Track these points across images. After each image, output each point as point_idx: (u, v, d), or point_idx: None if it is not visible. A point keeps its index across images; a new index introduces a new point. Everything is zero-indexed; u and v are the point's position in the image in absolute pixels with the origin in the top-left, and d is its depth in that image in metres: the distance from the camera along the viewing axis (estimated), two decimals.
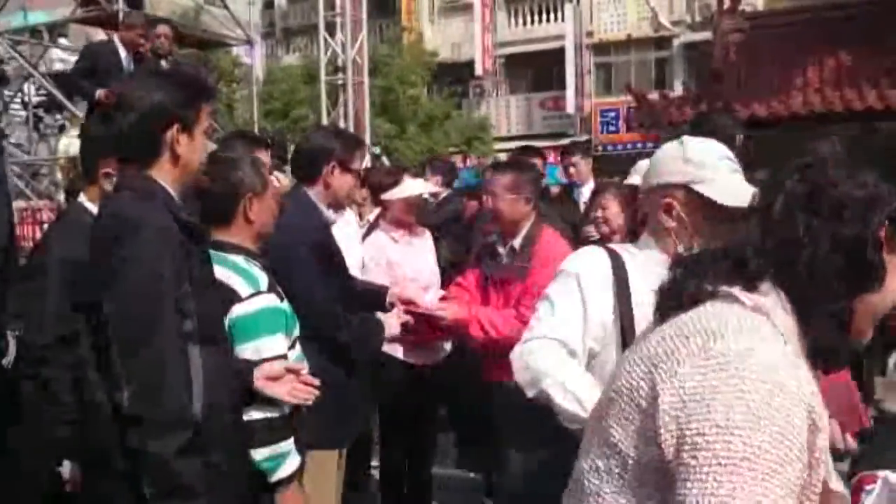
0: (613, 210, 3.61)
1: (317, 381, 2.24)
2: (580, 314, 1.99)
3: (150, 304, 1.78)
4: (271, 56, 24.82)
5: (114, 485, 1.82)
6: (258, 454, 2.19)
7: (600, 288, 1.98)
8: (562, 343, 1.98)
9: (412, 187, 4.09)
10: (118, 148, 2.04)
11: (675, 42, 20.90)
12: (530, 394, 1.99)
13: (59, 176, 10.25)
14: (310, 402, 2.25)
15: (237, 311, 2.24)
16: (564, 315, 2.00)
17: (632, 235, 3.82)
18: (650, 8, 20.56)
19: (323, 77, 10.95)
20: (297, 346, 2.43)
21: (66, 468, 2.43)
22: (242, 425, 2.11)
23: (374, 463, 4.37)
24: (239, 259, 2.34)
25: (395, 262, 3.93)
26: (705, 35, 18.47)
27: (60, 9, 12.60)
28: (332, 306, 2.87)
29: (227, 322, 2.21)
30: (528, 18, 22.56)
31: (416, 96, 19.58)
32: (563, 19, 21.20)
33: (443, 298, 3.54)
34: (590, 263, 2.03)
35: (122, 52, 6.29)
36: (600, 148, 20.22)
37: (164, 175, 1.97)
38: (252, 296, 2.28)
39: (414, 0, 23.18)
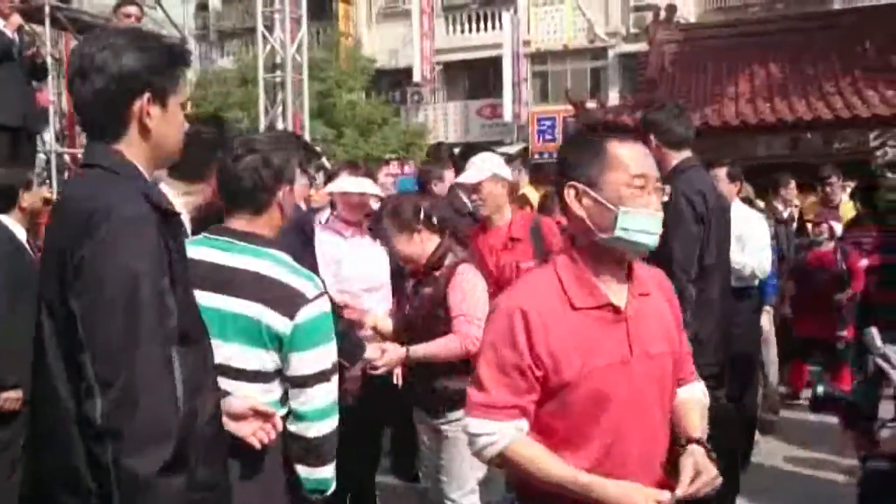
0: None
1: (280, 428, 2.05)
2: None
3: (128, 303, 1.54)
4: (205, 59, 24.30)
5: None
6: (326, 471, 2.13)
7: None
8: None
9: (347, 184, 3.92)
10: (80, 118, 1.75)
11: (611, 52, 21.26)
12: None
13: None
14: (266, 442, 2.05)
15: (307, 313, 2.04)
16: None
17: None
18: (586, 19, 20.89)
19: (261, 75, 10.71)
20: None
21: None
22: (224, 434, 1.89)
23: None
24: (284, 255, 2.13)
25: (341, 260, 3.78)
26: (640, 46, 18.84)
27: None
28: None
29: (289, 325, 2.03)
30: (466, 26, 22.65)
31: (353, 101, 19.42)
32: (500, 27, 21.31)
33: None
34: None
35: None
36: (537, 156, 20.39)
37: (134, 152, 1.70)
38: (318, 297, 2.09)
39: (352, 5, 23.01)
